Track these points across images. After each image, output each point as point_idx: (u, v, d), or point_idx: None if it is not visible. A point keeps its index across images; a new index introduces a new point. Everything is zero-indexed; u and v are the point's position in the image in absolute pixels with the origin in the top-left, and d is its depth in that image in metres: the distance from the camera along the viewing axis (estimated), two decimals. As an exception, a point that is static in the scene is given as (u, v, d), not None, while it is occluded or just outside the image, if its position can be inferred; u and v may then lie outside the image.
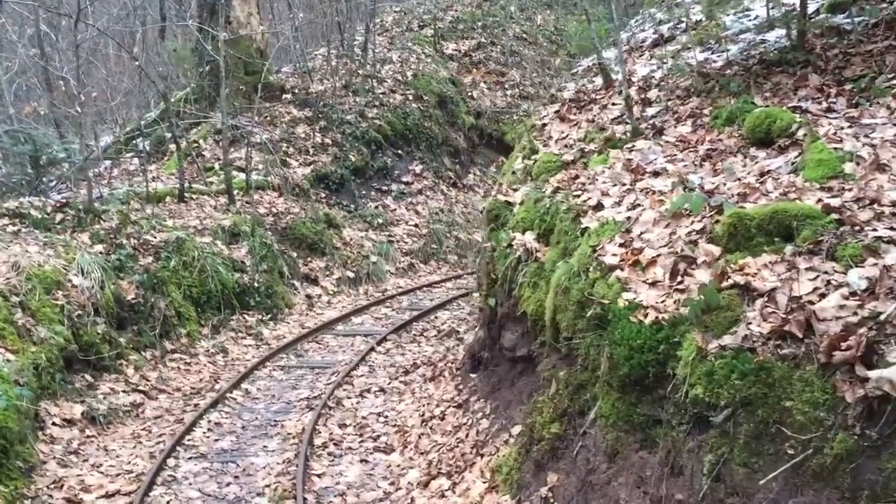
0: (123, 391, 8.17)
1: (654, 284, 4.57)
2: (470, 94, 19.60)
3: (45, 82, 15.76)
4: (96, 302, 8.51)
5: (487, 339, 7.28)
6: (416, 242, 15.27)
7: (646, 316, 4.34)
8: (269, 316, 11.34)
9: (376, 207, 15.62)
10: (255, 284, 11.41)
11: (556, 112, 8.64)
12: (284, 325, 11.38)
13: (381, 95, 17.59)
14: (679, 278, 4.49)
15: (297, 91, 17.20)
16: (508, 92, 20.42)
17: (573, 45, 10.18)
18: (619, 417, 4.39)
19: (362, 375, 9.05)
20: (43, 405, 7.06)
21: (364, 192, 15.74)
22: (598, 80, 8.92)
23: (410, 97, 17.89)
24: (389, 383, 8.72)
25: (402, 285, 13.95)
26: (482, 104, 19.50)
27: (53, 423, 7.00)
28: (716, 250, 4.49)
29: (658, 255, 4.75)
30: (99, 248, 9.47)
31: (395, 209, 15.85)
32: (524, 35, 22.73)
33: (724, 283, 4.11)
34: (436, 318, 11.49)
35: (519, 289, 6.27)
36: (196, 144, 15.22)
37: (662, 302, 4.38)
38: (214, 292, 10.63)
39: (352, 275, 13.46)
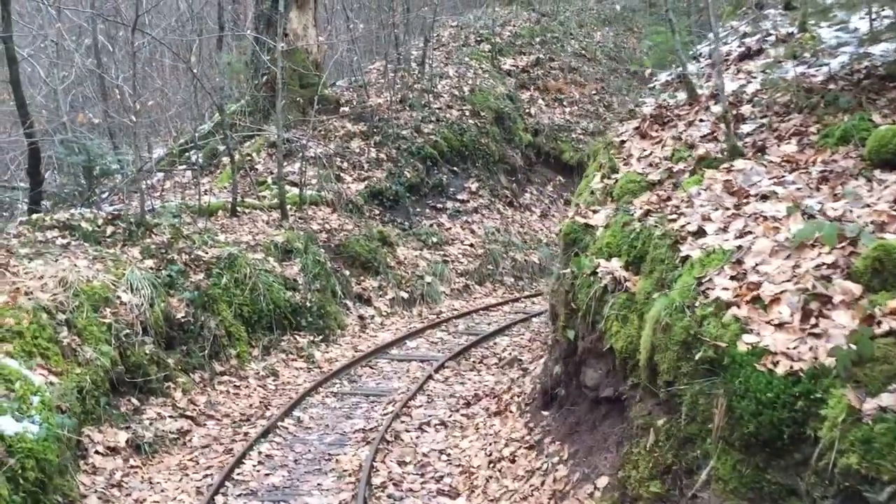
0: (170, 416, 7.72)
1: (780, 326, 3.94)
2: (527, 110, 19.05)
3: (100, 92, 15.62)
4: (145, 320, 8.11)
5: (564, 374, 6.67)
6: (472, 263, 14.72)
7: (776, 364, 3.72)
8: (321, 337, 10.86)
9: (431, 226, 15.11)
10: (308, 304, 10.95)
11: (636, 129, 8.03)
12: (336, 347, 10.89)
13: (437, 111, 17.13)
14: (812, 320, 3.86)
15: (352, 105, 16.84)
16: (567, 109, 19.83)
17: (650, 57, 9.51)
18: (742, 483, 3.76)
19: (420, 406, 8.49)
20: (86, 432, 6.64)
21: (419, 209, 15.25)
22: (682, 95, 8.30)
23: (467, 113, 17.40)
24: (450, 416, 8.14)
25: (457, 307, 13.39)
26: (540, 121, 18.93)
27: (96, 452, 6.56)
28: (856, 289, 3.86)
29: (782, 292, 4.12)
30: (149, 263, 9.10)
31: (449, 228, 15.33)
32: (583, 52, 22.14)
33: (878, 330, 3.47)
34: (495, 344, 10.90)
35: (605, 322, 5.67)
36: (249, 158, 14.90)
37: (795, 348, 3.75)
38: (266, 311, 10.19)
39: (406, 295, 12.95)
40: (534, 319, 12.13)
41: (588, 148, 18.97)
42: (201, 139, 15.04)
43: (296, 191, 13.52)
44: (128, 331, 7.78)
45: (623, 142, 7.99)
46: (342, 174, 14.69)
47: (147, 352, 7.91)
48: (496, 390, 8.50)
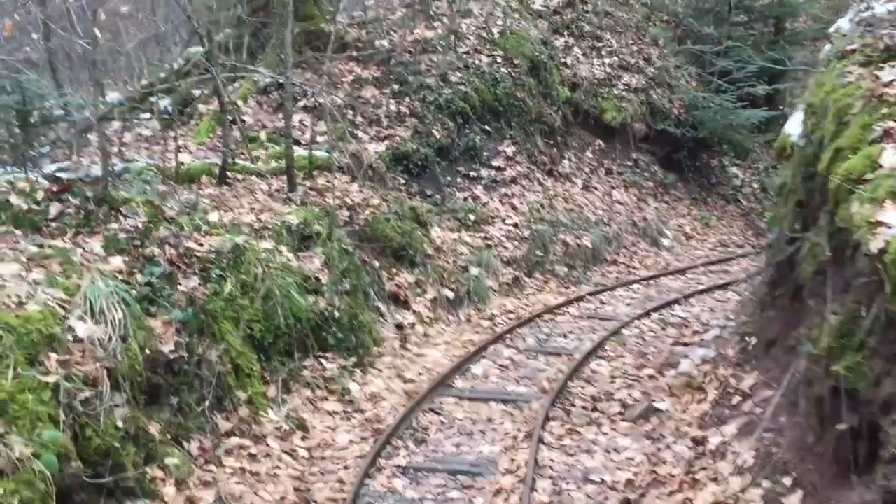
0: (161, 541, 4.63)
1: None
2: (563, 60, 15.94)
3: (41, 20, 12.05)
4: (115, 367, 4.94)
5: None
6: (518, 248, 11.70)
7: None
8: (354, 360, 7.79)
9: (465, 199, 12.03)
10: (335, 313, 7.85)
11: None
12: (376, 374, 7.84)
13: (463, 56, 13.93)
14: None
15: (361, 44, 13.53)
16: (606, 60, 16.77)
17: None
18: None
19: (543, 495, 5.52)
20: None
21: (449, 178, 12.14)
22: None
23: (499, 60, 14.22)
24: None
25: (510, 308, 10.41)
26: (578, 73, 15.85)
27: None
28: None
29: None
30: (117, 262, 5.89)
31: (486, 202, 12.25)
32: (615, -6, 19.02)
33: None
34: (595, 373, 7.96)
35: None
36: (234, 107, 11.56)
37: None
38: (284, 329, 7.09)
39: (450, 294, 9.89)
40: (624, 332, 9.22)
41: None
42: (166, 81, 11.67)
43: (301, 151, 10.30)
44: (87, 392, 4.62)
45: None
46: (356, 131, 11.47)
47: (118, 425, 4.76)
48: (662, 474, 5.55)
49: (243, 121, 11.65)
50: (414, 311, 9.29)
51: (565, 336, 9.27)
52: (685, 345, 8.61)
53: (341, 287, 8.17)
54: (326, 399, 7.12)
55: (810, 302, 5.05)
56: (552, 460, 6.02)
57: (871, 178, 4.27)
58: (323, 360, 7.55)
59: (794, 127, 6.57)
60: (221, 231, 7.24)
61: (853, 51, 5.72)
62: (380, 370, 7.96)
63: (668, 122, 16.64)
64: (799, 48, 21.17)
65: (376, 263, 9.29)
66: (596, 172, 15.26)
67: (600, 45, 17.02)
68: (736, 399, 5.80)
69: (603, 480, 5.68)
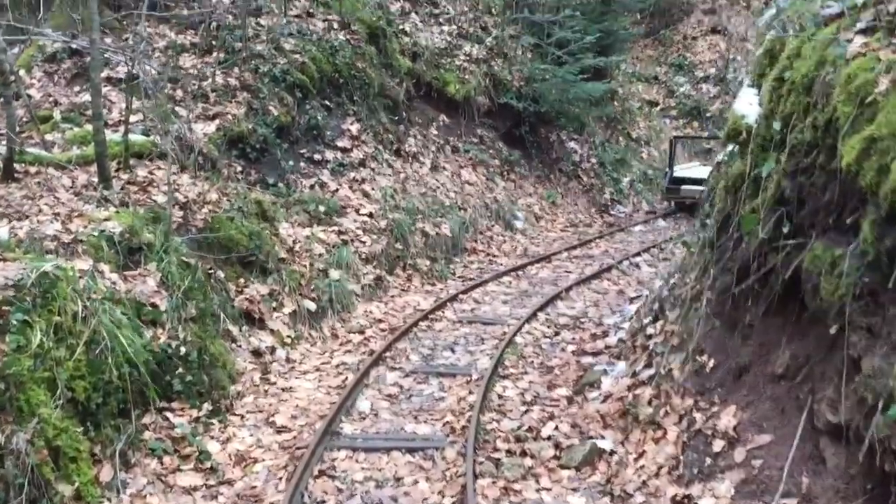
0: None
1: None
2: (402, 27, 14.48)
3: None
4: None
5: None
6: (377, 242, 10.23)
7: None
8: (208, 408, 6.07)
9: (312, 187, 10.37)
10: (181, 348, 6.07)
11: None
12: (238, 423, 6.17)
13: (295, 19, 12.16)
14: None
15: (172, 2, 11.40)
16: (445, 28, 15.51)
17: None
18: None
19: None
20: None
21: (291, 162, 10.40)
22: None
23: (335, 25, 12.58)
24: None
25: (378, 316, 8.96)
26: (418, 42, 14.46)
27: None
28: None
29: None
30: None
31: (336, 189, 10.65)
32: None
33: None
34: (504, 399, 6.70)
35: None
36: (13, 79, 9.20)
37: None
38: (116, 381, 5.27)
39: (311, 305, 8.28)
40: (517, 340, 8.06)
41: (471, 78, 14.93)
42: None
43: (110, 135, 8.23)
44: None
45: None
46: (177, 108, 9.46)
47: None
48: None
49: (29, 96, 9.34)
50: (272, 331, 7.61)
51: (452, 349, 7.97)
52: (592, 354, 7.58)
53: (185, 313, 6.38)
54: (180, 470, 5.39)
55: (833, 328, 4.03)
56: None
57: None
58: (169, 414, 5.79)
59: (746, 106, 5.58)
60: (18, 254, 5.26)
61: (840, 15, 4.75)
62: (242, 417, 6.29)
63: (510, 96, 15.71)
64: (625, 19, 21.04)
65: (221, 274, 7.51)
66: (443, 151, 14.02)
67: (437, 11, 15.74)
68: (718, 444, 4.74)
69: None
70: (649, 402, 5.74)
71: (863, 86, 4.07)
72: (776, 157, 4.75)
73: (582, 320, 8.87)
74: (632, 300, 9.53)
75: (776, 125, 4.92)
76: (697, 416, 5.14)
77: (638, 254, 12.44)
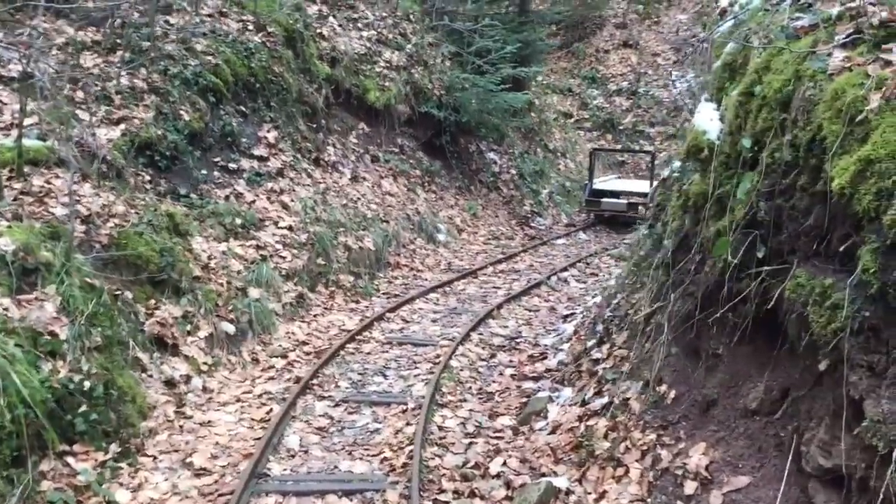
0: None
1: None
2: (319, 31, 13.87)
3: None
4: None
5: None
6: (298, 257, 9.61)
7: None
8: (116, 449, 5.38)
9: (227, 198, 9.66)
10: (84, 383, 5.36)
11: None
12: (150, 466, 5.50)
13: (207, 19, 11.42)
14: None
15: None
16: (364, 34, 14.97)
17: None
18: None
19: None
20: None
21: (204, 171, 9.68)
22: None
23: (250, 27, 11.89)
24: None
25: (302, 338, 8.36)
26: (336, 47, 13.87)
27: None
28: None
29: None
30: None
31: (253, 200, 9.97)
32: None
33: None
34: (444, 431, 6.23)
35: None
36: None
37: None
38: (9, 424, 4.56)
39: (229, 327, 7.61)
40: (452, 363, 7.61)
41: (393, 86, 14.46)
42: None
43: (3, 140, 7.39)
44: None
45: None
46: (77, 111, 8.61)
47: None
48: None
49: None
50: (186, 357, 6.92)
51: (383, 374, 7.45)
52: (533, 379, 7.20)
53: (89, 341, 5.66)
54: (84, 525, 4.70)
55: (823, 364, 3.73)
56: None
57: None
58: (70, 459, 5.08)
59: (707, 121, 5.30)
60: None
61: (813, 27, 4.50)
62: (155, 458, 5.61)
63: (431, 105, 15.31)
64: (542, 30, 20.99)
65: (130, 296, 6.77)
66: (362, 160, 13.48)
67: (356, 16, 15.19)
68: (690, 485, 4.40)
69: None
70: (605, 436, 5.37)
71: (852, 103, 3.80)
72: (751, 177, 4.44)
73: (517, 340, 8.50)
74: (565, 318, 9.23)
75: (746, 142, 4.63)
76: (663, 452, 4.79)
77: (565, 268, 12.20)
